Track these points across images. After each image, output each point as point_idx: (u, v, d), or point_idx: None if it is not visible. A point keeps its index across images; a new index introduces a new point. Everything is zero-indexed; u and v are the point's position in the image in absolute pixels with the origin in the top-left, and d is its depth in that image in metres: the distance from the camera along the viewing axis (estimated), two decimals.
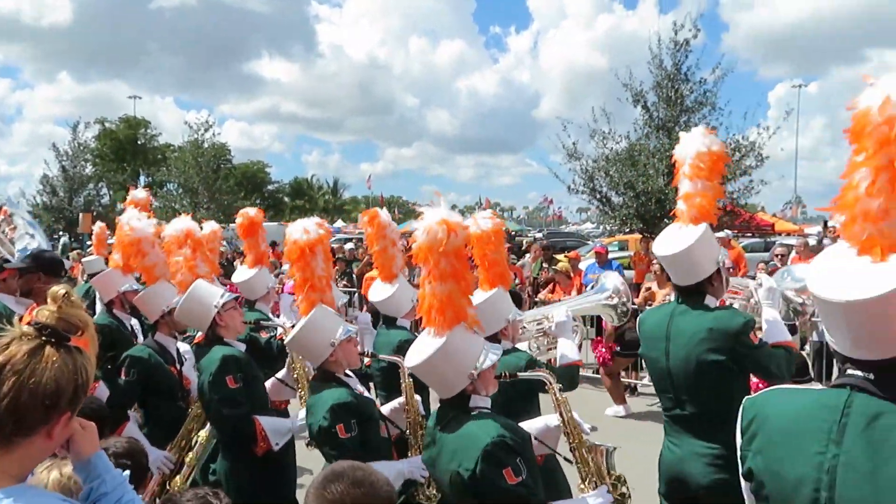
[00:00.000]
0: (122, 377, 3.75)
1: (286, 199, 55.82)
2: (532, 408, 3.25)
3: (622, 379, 8.53)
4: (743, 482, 1.73)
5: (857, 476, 1.47)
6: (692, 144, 3.08)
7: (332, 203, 61.03)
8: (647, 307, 8.00)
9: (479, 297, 3.41)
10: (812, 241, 14.44)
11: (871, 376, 1.52)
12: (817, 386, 1.92)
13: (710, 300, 3.05)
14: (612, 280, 4.44)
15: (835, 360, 1.72)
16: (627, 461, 3.20)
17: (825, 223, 21.61)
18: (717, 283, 3.06)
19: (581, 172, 15.65)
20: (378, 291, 4.35)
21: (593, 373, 9.17)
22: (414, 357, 2.43)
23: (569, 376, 3.36)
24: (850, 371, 1.56)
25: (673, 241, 3.05)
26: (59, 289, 1.40)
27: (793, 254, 11.89)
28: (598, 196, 15.71)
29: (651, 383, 7.93)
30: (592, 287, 4.70)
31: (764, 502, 1.64)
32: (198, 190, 27.43)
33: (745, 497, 1.75)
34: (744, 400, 1.75)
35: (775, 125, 14.72)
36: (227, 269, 10.92)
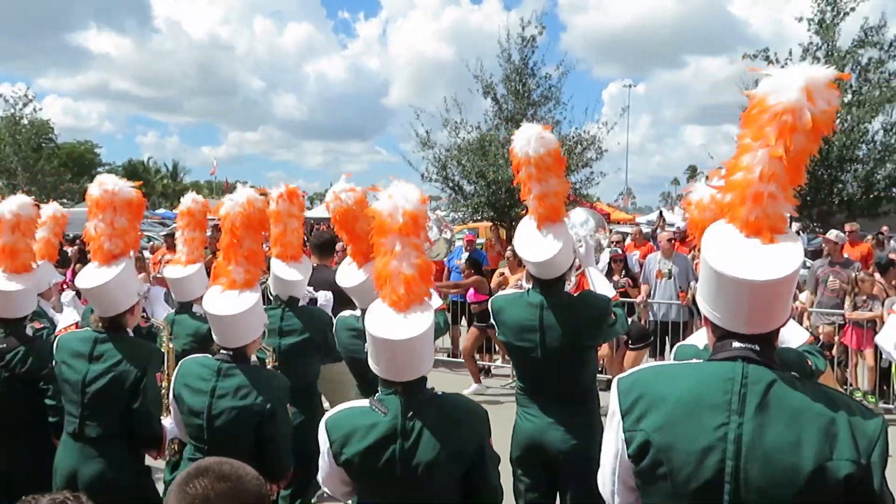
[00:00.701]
0: None
1: None
2: None
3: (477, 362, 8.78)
4: (622, 461, 1.73)
5: (761, 440, 1.54)
6: (532, 146, 3.03)
7: (172, 188, 57.50)
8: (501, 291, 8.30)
9: (358, 273, 3.46)
10: (645, 230, 15.66)
11: (757, 347, 1.62)
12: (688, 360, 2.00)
13: (566, 286, 3.27)
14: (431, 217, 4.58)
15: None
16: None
17: (661, 213, 23.43)
18: (571, 270, 3.30)
19: (434, 161, 15.87)
20: (284, 271, 4.03)
21: (447, 356, 9.41)
22: (404, 332, 2.22)
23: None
24: (735, 344, 1.64)
25: (536, 246, 3.12)
26: None
27: (628, 240, 12.82)
28: (451, 184, 16.02)
29: (503, 364, 8.20)
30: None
31: (661, 480, 1.64)
32: (16, 170, 24.75)
33: (617, 470, 1.76)
34: (616, 380, 1.76)
35: (611, 121, 15.71)
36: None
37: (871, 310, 7.47)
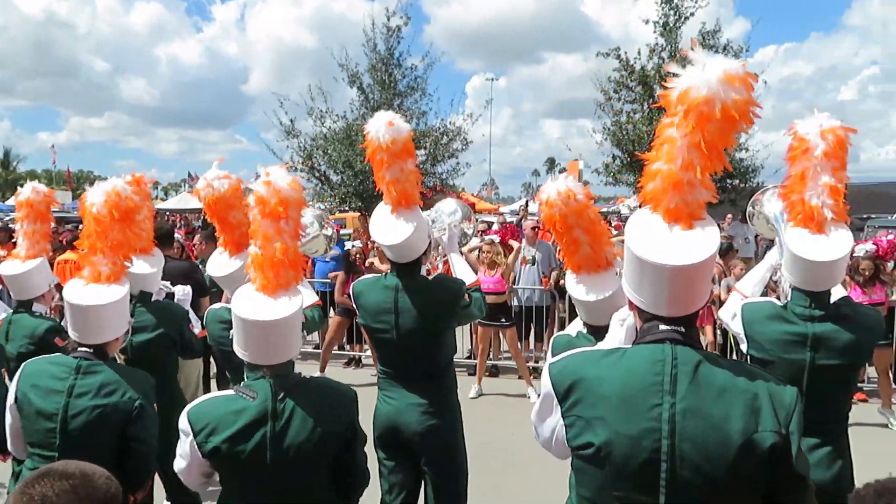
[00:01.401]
0: None
1: None
2: None
3: (348, 352, 8.70)
4: (559, 436, 1.78)
5: (694, 419, 1.61)
6: (382, 132, 3.09)
7: (4, 177, 52.29)
8: None
9: (230, 262, 3.41)
10: (510, 219, 16.19)
11: (682, 329, 1.71)
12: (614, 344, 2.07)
13: (422, 269, 3.37)
14: (309, 212, 4.52)
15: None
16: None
17: (526, 203, 24.23)
18: (427, 254, 3.41)
19: (299, 150, 15.51)
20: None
21: (313, 348, 9.27)
22: (272, 313, 2.24)
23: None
24: (662, 327, 1.71)
25: (391, 229, 3.18)
26: None
27: (494, 226, 13.21)
28: (317, 174, 15.73)
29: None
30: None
31: (598, 464, 1.68)
32: None
33: (555, 442, 1.81)
34: (548, 367, 1.81)
35: (475, 113, 16.07)
36: None
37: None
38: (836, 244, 2.60)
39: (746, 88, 1.65)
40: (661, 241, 1.71)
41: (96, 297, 2.77)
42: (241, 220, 3.34)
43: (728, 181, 15.82)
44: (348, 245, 8.76)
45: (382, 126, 3.08)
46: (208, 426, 2.16)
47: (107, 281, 2.90)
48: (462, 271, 3.50)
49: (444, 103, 39.70)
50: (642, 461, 1.63)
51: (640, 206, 1.89)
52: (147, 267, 3.76)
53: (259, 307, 2.25)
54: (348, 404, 2.31)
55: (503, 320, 7.99)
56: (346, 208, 16.58)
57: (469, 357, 9.01)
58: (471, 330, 9.12)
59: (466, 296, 3.31)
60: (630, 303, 1.84)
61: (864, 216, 18.08)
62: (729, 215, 14.14)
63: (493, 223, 14.63)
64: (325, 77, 17.21)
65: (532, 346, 8.87)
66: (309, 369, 8.28)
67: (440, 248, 3.71)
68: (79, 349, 2.75)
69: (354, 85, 15.49)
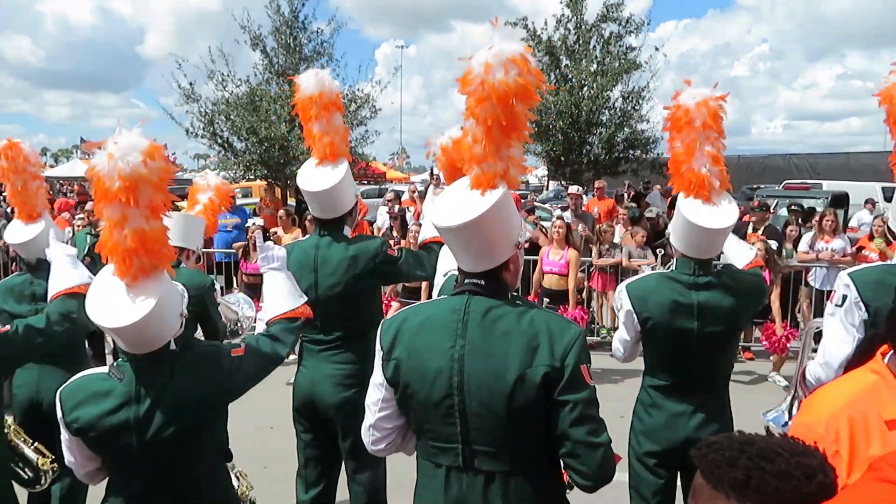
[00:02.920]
0: None
1: None
2: None
3: None
4: (385, 386, 1.98)
5: (478, 358, 1.84)
6: (311, 86, 3.17)
7: None
8: None
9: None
10: (420, 188, 16.17)
11: (482, 282, 1.91)
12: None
13: (346, 230, 3.26)
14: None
15: None
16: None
17: (431, 171, 24.26)
18: (352, 216, 3.31)
19: (200, 116, 14.85)
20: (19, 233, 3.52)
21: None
22: (129, 316, 2.02)
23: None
24: (466, 280, 1.93)
25: (317, 178, 3.17)
26: None
27: (405, 196, 13.16)
28: (220, 141, 15.12)
29: None
30: None
31: (410, 399, 1.92)
32: None
33: (380, 398, 2.00)
34: (382, 322, 2.02)
35: (384, 81, 15.83)
36: None
37: (612, 257, 8.44)
38: (726, 213, 2.75)
39: (520, 69, 1.82)
40: (456, 204, 1.90)
41: None
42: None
43: (630, 151, 16.37)
44: (250, 223, 8.44)
45: (311, 78, 3.19)
46: (75, 403, 2.06)
47: None
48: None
49: (352, 70, 38.95)
50: (440, 396, 1.87)
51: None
52: (33, 231, 3.48)
53: (116, 307, 2.05)
54: (218, 368, 2.16)
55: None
56: (252, 177, 16.07)
57: None
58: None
59: (391, 251, 3.26)
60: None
61: (754, 186, 19.17)
62: (657, 186, 14.58)
63: (403, 192, 14.58)
64: (227, 39, 16.42)
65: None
66: None
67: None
68: None
69: (257, 48, 14.91)
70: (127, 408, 2.03)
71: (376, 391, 2.00)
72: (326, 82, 3.19)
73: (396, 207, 10.63)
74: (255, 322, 3.91)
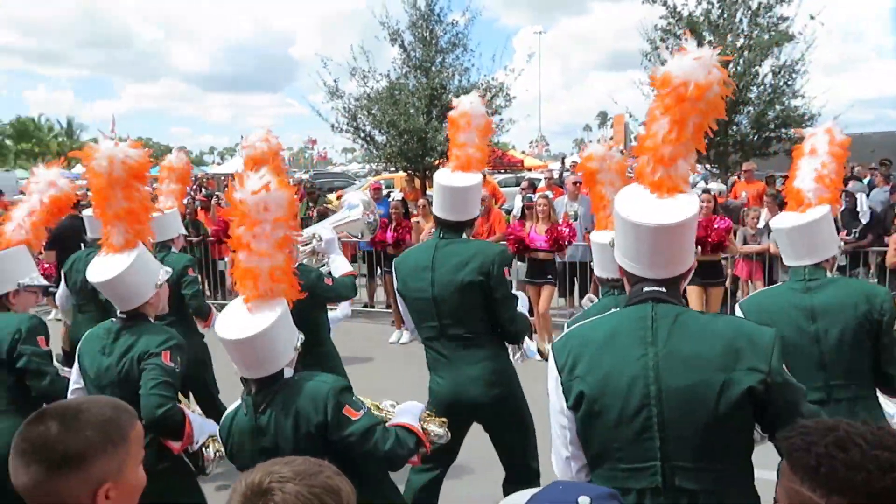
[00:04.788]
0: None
1: (8, 141, 48.35)
2: None
3: None
4: (567, 413, 1.90)
5: (675, 364, 1.77)
6: (465, 107, 3.50)
7: (69, 146, 54.17)
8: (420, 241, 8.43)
9: None
10: (555, 175, 16.02)
11: (664, 290, 1.87)
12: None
13: (465, 235, 3.43)
14: (358, 196, 5.14)
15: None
16: (422, 380, 3.48)
17: (563, 159, 23.93)
18: (471, 227, 3.46)
19: (344, 111, 15.57)
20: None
21: (362, 307, 9.50)
22: (248, 329, 2.27)
23: (350, 284, 3.88)
24: (645, 288, 1.89)
25: (454, 180, 3.37)
26: None
27: (541, 184, 13.13)
28: (362, 135, 15.79)
29: None
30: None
31: (597, 419, 1.83)
32: None
33: (567, 425, 1.92)
34: (551, 346, 1.99)
35: (519, 68, 15.76)
36: None
37: (759, 243, 8.00)
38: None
39: (722, 78, 1.87)
40: (644, 206, 1.90)
41: (105, 272, 2.83)
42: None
43: (782, 130, 15.25)
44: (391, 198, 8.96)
45: (476, 100, 3.53)
46: (224, 437, 2.43)
47: (121, 250, 2.89)
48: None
49: (487, 59, 39.02)
50: (635, 408, 1.78)
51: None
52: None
53: (235, 324, 2.29)
54: (320, 403, 2.28)
55: (549, 277, 8.00)
56: (393, 169, 16.65)
57: None
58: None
59: (507, 272, 3.38)
60: (621, 270, 2.00)
61: None
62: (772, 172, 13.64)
63: (539, 181, 14.52)
64: (368, 37, 17.08)
65: (577, 302, 8.86)
66: (359, 328, 8.51)
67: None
68: (119, 314, 2.91)
69: (396, 43, 15.37)
70: (253, 440, 2.33)
71: (561, 418, 1.93)
72: (480, 107, 3.50)
73: (532, 197, 10.64)
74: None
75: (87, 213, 5.04)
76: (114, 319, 2.92)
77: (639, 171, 1.99)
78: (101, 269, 2.85)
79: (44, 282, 3.47)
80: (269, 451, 2.22)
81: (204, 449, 2.74)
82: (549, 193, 9.15)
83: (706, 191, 8.56)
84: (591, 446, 1.88)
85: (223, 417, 2.46)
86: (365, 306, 9.66)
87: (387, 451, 2.32)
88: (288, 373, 2.37)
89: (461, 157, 3.41)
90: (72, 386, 2.99)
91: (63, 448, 1.30)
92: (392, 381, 3.20)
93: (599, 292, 3.37)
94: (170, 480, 2.69)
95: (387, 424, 2.47)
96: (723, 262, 7.73)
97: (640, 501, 1.78)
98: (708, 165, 16.00)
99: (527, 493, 1.20)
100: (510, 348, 3.46)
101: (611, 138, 3.52)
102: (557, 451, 1.98)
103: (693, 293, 7.50)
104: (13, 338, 3.05)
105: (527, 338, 3.52)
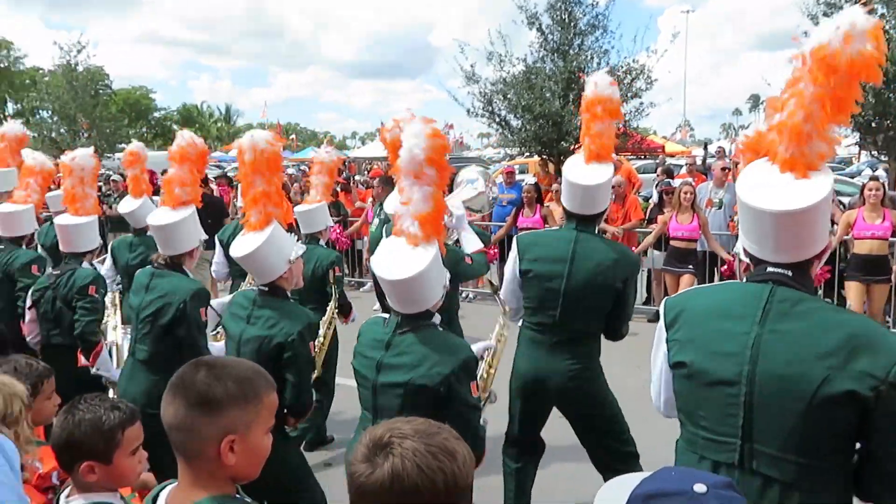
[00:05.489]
0: (92, 293, 3.96)
1: (175, 126, 52.82)
2: None
3: None
4: (666, 370, 1.96)
5: (779, 349, 1.71)
6: (599, 90, 3.36)
7: (226, 131, 58.44)
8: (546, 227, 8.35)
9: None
10: (698, 162, 15.29)
11: (789, 272, 1.78)
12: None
13: (597, 226, 3.45)
14: (474, 170, 5.15)
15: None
16: None
17: (706, 145, 22.75)
18: (601, 218, 3.48)
19: (480, 96, 15.65)
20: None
21: (493, 291, 9.53)
22: (402, 270, 2.48)
23: (484, 261, 4.04)
24: (769, 269, 1.80)
25: (585, 173, 3.32)
26: None
27: (682, 170, 12.57)
28: (498, 119, 15.80)
29: None
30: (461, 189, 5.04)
31: (688, 380, 1.86)
32: (75, 117, 25.44)
33: (664, 384, 1.99)
34: (664, 302, 2.00)
35: (662, 49, 15.08)
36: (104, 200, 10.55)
37: None
38: None
39: (874, 42, 1.66)
40: (770, 188, 1.76)
41: (244, 248, 3.07)
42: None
43: None
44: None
45: (606, 82, 3.37)
46: (358, 336, 2.66)
47: (255, 229, 3.12)
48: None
49: (628, 41, 37.59)
50: (724, 382, 1.76)
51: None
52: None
53: (392, 264, 2.52)
54: (454, 360, 2.44)
55: (689, 267, 7.72)
56: (528, 153, 16.56)
57: (647, 303, 8.81)
58: (648, 276, 8.89)
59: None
60: (743, 248, 1.92)
61: None
62: None
63: (680, 167, 13.90)
64: (506, 21, 16.98)
65: None
66: (489, 309, 8.59)
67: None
68: (259, 287, 3.15)
69: (533, 26, 15.20)
70: (378, 351, 2.55)
71: (662, 364, 1.99)
72: (615, 93, 3.39)
73: (671, 182, 10.22)
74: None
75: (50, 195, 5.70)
76: (257, 289, 3.16)
77: (769, 146, 1.84)
78: (241, 245, 3.09)
79: (204, 236, 3.87)
80: (382, 367, 2.50)
81: None
82: (691, 180, 8.75)
83: (874, 178, 7.77)
84: (681, 406, 1.92)
85: (367, 321, 2.74)
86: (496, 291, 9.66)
87: (476, 431, 2.48)
88: (437, 318, 2.60)
89: (592, 149, 3.35)
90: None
91: (205, 391, 1.43)
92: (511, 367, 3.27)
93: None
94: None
95: None
96: (889, 256, 7.01)
97: (714, 472, 1.75)
98: (875, 152, 14.62)
99: (632, 477, 1.16)
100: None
101: (763, 122, 3.15)
102: (657, 391, 2.05)
103: (853, 289, 6.90)
104: (181, 303, 3.38)
105: None
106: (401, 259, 2.52)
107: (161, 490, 1.50)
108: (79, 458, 1.90)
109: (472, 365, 2.50)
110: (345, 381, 3.65)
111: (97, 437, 1.89)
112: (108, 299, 4.27)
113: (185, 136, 3.83)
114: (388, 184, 8.24)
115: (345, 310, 4.95)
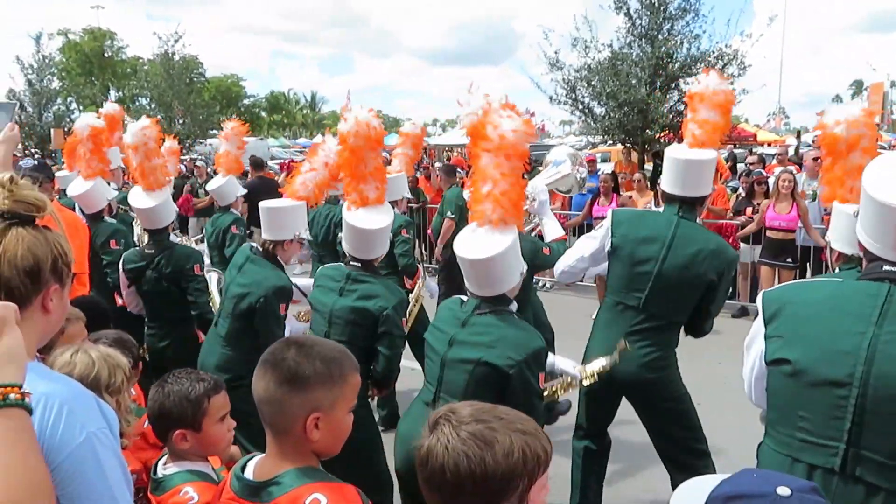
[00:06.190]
0: (198, 273, 4.19)
1: (263, 113, 54.63)
2: None
3: None
4: (760, 367, 1.89)
5: (894, 352, 1.64)
6: (712, 83, 3.31)
7: (311, 118, 59.95)
8: None
9: None
10: (791, 152, 14.60)
11: None
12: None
13: (698, 212, 3.35)
14: (563, 151, 5.00)
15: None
16: None
17: (799, 133, 21.68)
18: (702, 205, 3.38)
19: (563, 83, 15.41)
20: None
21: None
22: (482, 250, 2.55)
23: (564, 250, 3.91)
24: (886, 268, 1.73)
25: (690, 153, 3.24)
26: (2, 175, 1.36)
27: (773, 161, 12.04)
28: (581, 107, 15.52)
29: None
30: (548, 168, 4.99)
31: (788, 378, 1.77)
32: (171, 104, 26.66)
33: (758, 376, 1.92)
34: (762, 294, 1.93)
35: (758, 33, 14.41)
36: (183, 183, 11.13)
37: None
38: None
39: None
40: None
41: (368, 222, 3.22)
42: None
43: None
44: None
45: (714, 81, 3.31)
46: (436, 315, 2.76)
47: (374, 204, 3.30)
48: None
49: (721, 25, 36.17)
50: (833, 382, 1.68)
51: None
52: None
53: (472, 245, 2.58)
54: (517, 348, 2.47)
55: (788, 260, 7.39)
56: (611, 141, 16.22)
57: (731, 297, 8.51)
58: (736, 269, 8.57)
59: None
60: (858, 242, 1.82)
61: None
62: None
63: (773, 157, 13.30)
64: (592, 6, 16.56)
65: None
66: (565, 301, 8.53)
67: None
68: (350, 262, 3.29)
69: (621, 11, 14.81)
70: (454, 328, 2.62)
71: (755, 360, 1.93)
72: (726, 87, 3.33)
73: (762, 171, 9.80)
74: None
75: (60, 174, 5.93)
76: (348, 264, 3.31)
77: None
78: (360, 219, 3.23)
79: (309, 236, 3.98)
80: (453, 343, 2.56)
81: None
82: (792, 168, 8.37)
83: (788, 171, 7.30)
84: (776, 405, 1.82)
85: (447, 299, 2.81)
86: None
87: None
88: (513, 305, 2.66)
89: (697, 133, 3.25)
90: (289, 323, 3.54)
91: (294, 368, 1.50)
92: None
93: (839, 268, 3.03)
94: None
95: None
96: None
97: (809, 476, 1.69)
98: None
99: (710, 479, 1.13)
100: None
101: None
102: (749, 384, 1.99)
103: None
104: (261, 298, 3.45)
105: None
106: (481, 240, 2.58)
107: (249, 460, 1.59)
108: (171, 427, 2.03)
109: (542, 356, 2.54)
110: (407, 362, 3.72)
111: (185, 406, 2.02)
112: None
113: (328, 145, 3.93)
114: (450, 174, 8.31)
115: (411, 271, 5.16)
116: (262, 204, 3.69)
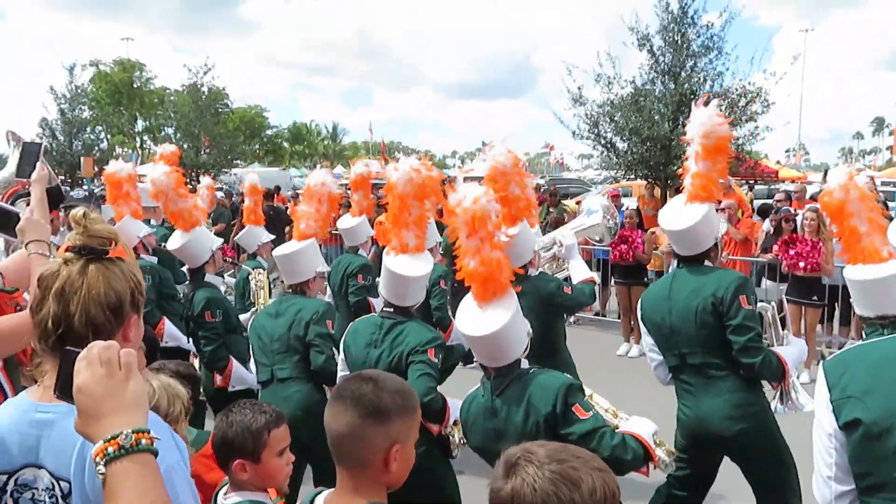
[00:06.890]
0: (209, 320, 4.12)
1: (285, 144, 55.30)
2: None
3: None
4: (837, 433, 1.80)
5: None
6: (701, 122, 3.25)
7: (332, 148, 60.64)
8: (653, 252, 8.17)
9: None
10: (814, 189, 14.48)
11: None
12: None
13: (707, 265, 3.31)
14: (598, 200, 5.00)
15: None
16: (645, 398, 3.42)
17: (825, 172, 21.57)
18: (713, 253, 3.32)
19: (586, 118, 15.51)
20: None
21: (594, 315, 9.44)
22: (481, 326, 2.52)
23: (590, 291, 3.97)
24: None
25: (679, 216, 3.27)
26: (77, 210, 1.42)
27: (792, 199, 11.95)
28: (603, 142, 15.61)
29: None
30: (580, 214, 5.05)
31: (875, 441, 1.71)
32: (198, 134, 27.12)
33: (833, 445, 1.82)
34: (822, 363, 1.88)
35: (780, 71, 14.47)
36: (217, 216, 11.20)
37: None
38: None
39: None
40: None
41: (408, 268, 3.21)
42: (518, 195, 3.81)
43: None
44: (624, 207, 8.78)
45: (711, 115, 3.25)
46: (463, 415, 2.70)
47: (413, 252, 3.28)
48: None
49: (744, 62, 36.32)
50: None
51: None
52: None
53: (475, 320, 2.57)
54: (550, 395, 2.44)
55: (814, 298, 7.33)
56: (633, 176, 16.24)
57: None
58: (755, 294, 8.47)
59: (744, 301, 3.21)
60: None
61: None
62: None
63: (792, 193, 13.21)
64: (617, 42, 16.72)
65: (836, 329, 7.96)
66: (589, 335, 8.50)
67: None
68: (384, 309, 3.28)
69: (644, 48, 14.97)
70: (487, 421, 2.58)
71: (827, 441, 1.84)
72: (722, 131, 3.25)
73: (791, 209, 9.76)
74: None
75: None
76: (381, 314, 3.29)
77: None
78: (402, 265, 3.21)
79: (328, 268, 4.11)
80: (499, 433, 2.49)
81: (450, 436, 2.99)
82: (817, 206, 8.33)
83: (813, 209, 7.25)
84: (868, 472, 1.74)
85: (465, 398, 2.73)
86: (596, 314, 9.58)
87: (610, 453, 2.34)
88: (524, 364, 2.62)
89: (694, 190, 3.27)
90: (340, 372, 3.40)
91: (376, 401, 1.52)
92: (615, 395, 3.15)
93: (863, 333, 2.99)
94: (428, 461, 2.94)
95: (617, 430, 2.53)
96: None
97: None
98: None
99: None
100: (771, 392, 3.28)
101: (888, 148, 3.00)
102: (819, 471, 1.88)
103: None
104: (311, 317, 3.58)
105: (798, 385, 3.26)
106: (481, 314, 2.57)
107: (316, 496, 1.60)
108: (232, 457, 2.08)
109: (570, 392, 2.45)
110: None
111: (247, 437, 2.06)
112: (254, 283, 4.71)
113: (318, 176, 4.13)
114: None
115: (444, 324, 4.97)
116: (276, 253, 3.88)
